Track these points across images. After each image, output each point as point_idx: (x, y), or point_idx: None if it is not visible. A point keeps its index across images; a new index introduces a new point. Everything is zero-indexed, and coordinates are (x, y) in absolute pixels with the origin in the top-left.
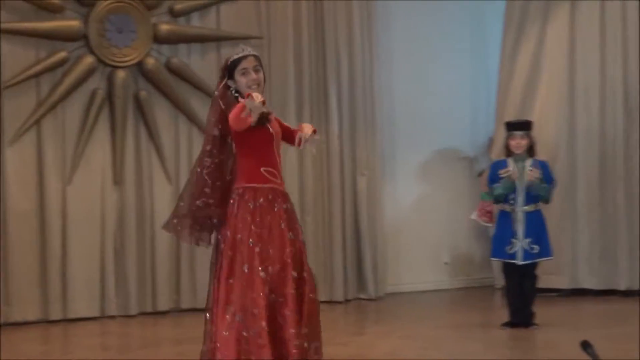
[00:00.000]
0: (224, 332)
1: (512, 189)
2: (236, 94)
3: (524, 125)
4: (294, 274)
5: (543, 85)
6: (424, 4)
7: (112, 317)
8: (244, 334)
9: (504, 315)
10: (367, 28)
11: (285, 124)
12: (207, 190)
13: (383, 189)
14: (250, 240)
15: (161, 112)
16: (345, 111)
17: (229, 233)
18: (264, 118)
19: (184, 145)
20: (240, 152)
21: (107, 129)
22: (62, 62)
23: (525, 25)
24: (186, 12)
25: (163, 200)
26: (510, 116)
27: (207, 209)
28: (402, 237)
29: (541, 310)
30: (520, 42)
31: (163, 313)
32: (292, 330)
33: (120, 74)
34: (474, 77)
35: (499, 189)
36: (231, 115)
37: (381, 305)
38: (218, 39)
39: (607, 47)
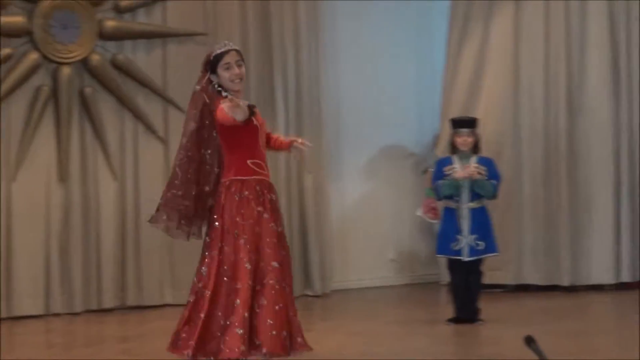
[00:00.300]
0: (205, 320)
1: (458, 187)
2: (219, 89)
3: (470, 123)
4: (275, 264)
5: (487, 83)
6: (369, 3)
7: (57, 314)
8: (221, 322)
9: (450, 311)
10: (314, 27)
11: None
12: (176, 182)
13: (329, 187)
14: (235, 231)
15: (106, 109)
16: (292, 109)
17: (217, 224)
18: (251, 111)
19: (130, 142)
20: (227, 145)
21: (52, 125)
22: (6, 59)
23: (469, 23)
24: (132, 9)
25: (108, 197)
26: (455, 114)
27: (176, 200)
28: (348, 234)
29: (486, 306)
30: (465, 41)
31: (108, 310)
32: (270, 321)
33: (65, 71)
34: (420, 75)
35: (445, 189)
36: (219, 116)
37: (327, 301)
38: (164, 36)
39: (551, 45)
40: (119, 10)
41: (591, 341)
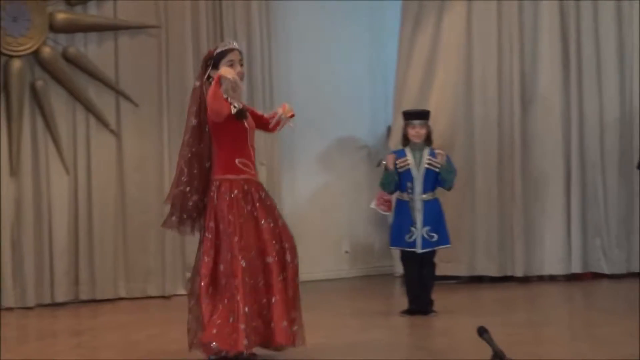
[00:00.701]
0: (216, 319)
1: (392, 179)
2: None
3: (423, 115)
4: (269, 259)
5: (440, 75)
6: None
7: (10, 309)
8: (230, 320)
9: (404, 302)
10: (266, 22)
11: (258, 112)
12: (183, 178)
13: (282, 178)
14: (229, 230)
15: (58, 102)
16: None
17: (212, 224)
18: (242, 114)
19: (81, 135)
20: (217, 143)
21: (3, 119)
22: None
23: (422, 15)
24: (83, 1)
25: (61, 190)
26: (408, 106)
27: (184, 196)
28: (302, 226)
29: (440, 298)
30: (418, 33)
31: (61, 304)
32: (279, 316)
33: (16, 64)
34: (373, 67)
35: (382, 179)
36: (209, 102)
37: None
38: (115, 28)
39: (504, 37)
40: (70, 3)
41: (542, 331)
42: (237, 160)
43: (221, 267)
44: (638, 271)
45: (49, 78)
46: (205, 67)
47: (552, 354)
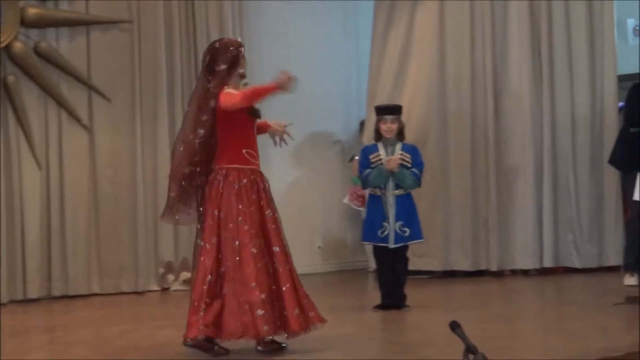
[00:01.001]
0: (235, 312)
1: (386, 176)
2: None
3: (394, 110)
4: (276, 248)
5: (413, 71)
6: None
7: None
8: (246, 306)
9: (377, 297)
10: (238, 18)
11: None
12: (196, 158)
13: None
14: (240, 218)
15: (29, 97)
16: None
17: (216, 212)
18: (257, 113)
19: (53, 130)
20: (225, 132)
21: None
22: None
23: (395, 11)
24: None
25: (33, 186)
26: (381, 101)
27: (192, 175)
28: None
29: (413, 292)
30: (390, 29)
31: (34, 301)
32: (291, 304)
33: None
34: (346, 63)
35: (374, 179)
36: (248, 92)
37: None
38: (87, 23)
39: (476, 35)
40: None
41: (514, 325)
42: (244, 151)
43: (221, 255)
44: (609, 265)
45: (21, 73)
46: (237, 55)
47: (525, 348)
